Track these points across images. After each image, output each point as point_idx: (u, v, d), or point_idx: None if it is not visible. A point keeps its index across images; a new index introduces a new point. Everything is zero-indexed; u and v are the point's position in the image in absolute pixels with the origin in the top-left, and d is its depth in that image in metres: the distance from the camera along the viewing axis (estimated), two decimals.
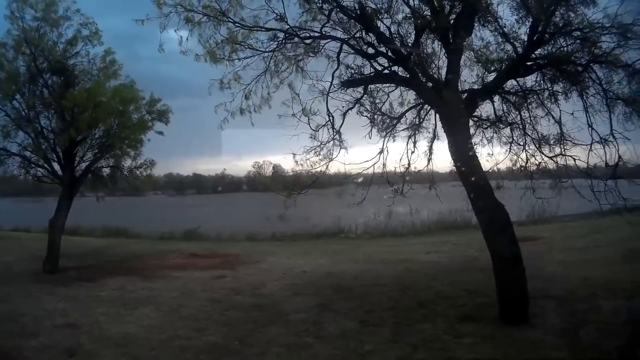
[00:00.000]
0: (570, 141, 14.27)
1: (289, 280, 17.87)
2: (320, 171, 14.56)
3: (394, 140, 15.86)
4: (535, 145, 15.02)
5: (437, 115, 14.29)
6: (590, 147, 13.59)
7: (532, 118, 15.06)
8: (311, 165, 14.50)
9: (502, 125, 15.61)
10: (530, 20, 13.39)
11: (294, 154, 14.31)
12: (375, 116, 15.65)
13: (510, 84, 14.80)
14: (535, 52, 13.82)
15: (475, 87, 14.94)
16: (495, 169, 15.51)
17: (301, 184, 14.71)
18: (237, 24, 13.16)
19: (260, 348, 10.93)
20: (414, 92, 14.82)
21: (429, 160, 16.05)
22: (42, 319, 13.04)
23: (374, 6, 13.41)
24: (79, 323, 12.81)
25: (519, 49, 13.94)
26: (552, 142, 14.69)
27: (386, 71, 14.08)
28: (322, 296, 15.28)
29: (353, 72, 14.55)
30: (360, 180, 15.40)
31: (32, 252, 21.57)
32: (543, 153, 14.84)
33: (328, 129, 14.60)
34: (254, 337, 11.64)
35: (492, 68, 14.76)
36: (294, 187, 14.59)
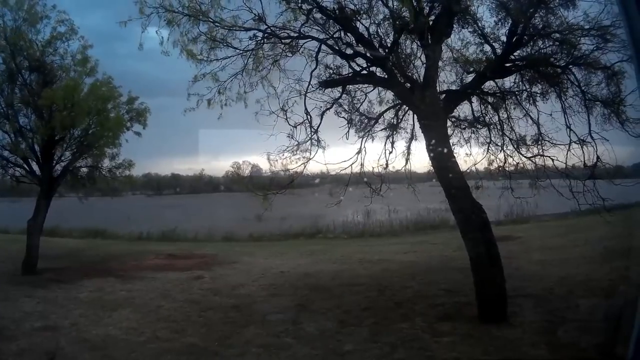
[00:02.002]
0: (549, 142, 14.39)
1: (267, 281, 17.84)
2: (297, 171, 14.56)
3: (372, 141, 15.88)
4: (513, 146, 15.10)
5: (415, 115, 14.30)
6: (569, 148, 13.73)
7: (510, 119, 15.15)
8: (287, 165, 14.53)
9: (480, 126, 15.68)
10: (510, 21, 13.48)
11: (269, 153, 14.33)
12: (353, 116, 15.67)
13: (489, 84, 14.88)
14: (514, 54, 13.92)
15: (454, 87, 15.02)
16: (473, 169, 15.58)
17: (278, 183, 14.72)
18: (216, 24, 13.14)
19: (239, 349, 10.96)
20: (392, 93, 14.85)
21: (407, 160, 16.09)
22: (21, 322, 12.92)
23: (353, 7, 13.45)
24: (58, 325, 12.74)
25: (498, 50, 14.03)
26: (530, 142, 14.78)
27: (364, 72, 14.11)
28: (300, 296, 15.31)
29: (331, 72, 14.59)
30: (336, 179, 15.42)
31: (9, 254, 21.29)
32: (521, 153, 14.93)
33: (306, 128, 14.62)
34: (232, 338, 11.65)
35: (471, 69, 14.85)
36: (270, 187, 14.61)
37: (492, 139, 15.51)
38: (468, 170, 14.99)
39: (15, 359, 10.52)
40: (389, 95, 15.52)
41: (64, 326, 12.70)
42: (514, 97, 14.89)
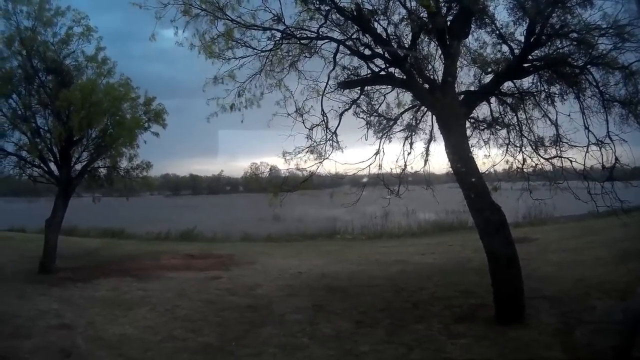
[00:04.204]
0: (567, 143, 14.28)
1: (284, 281, 17.85)
2: (312, 172, 14.55)
3: (389, 142, 15.84)
4: (531, 147, 15.00)
5: (434, 116, 14.24)
6: (587, 149, 13.61)
7: (528, 120, 15.04)
8: (304, 166, 14.53)
9: (498, 127, 15.59)
10: (527, 21, 13.39)
11: (285, 153, 14.33)
12: (372, 117, 15.64)
13: (507, 85, 14.79)
14: (532, 54, 13.82)
15: (472, 88, 14.96)
16: (491, 170, 15.48)
17: (294, 183, 14.72)
18: (234, 22, 13.13)
19: (255, 349, 10.93)
20: (411, 94, 14.80)
21: (426, 161, 15.99)
22: (37, 320, 12.99)
23: (370, 7, 13.41)
24: (73, 324, 12.77)
25: (516, 51, 13.94)
26: (548, 143, 14.69)
27: (383, 73, 14.07)
28: (317, 297, 15.29)
29: (349, 73, 14.57)
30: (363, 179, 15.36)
31: (27, 253, 21.44)
32: (539, 155, 14.83)
33: (323, 129, 14.61)
34: (249, 338, 11.64)
35: (489, 69, 14.76)
36: (284, 185, 14.60)
37: (511, 140, 15.41)
38: (486, 172, 14.89)
39: (31, 357, 10.55)
40: (407, 96, 15.50)
41: (80, 324, 12.73)
42: (532, 98, 14.79)
